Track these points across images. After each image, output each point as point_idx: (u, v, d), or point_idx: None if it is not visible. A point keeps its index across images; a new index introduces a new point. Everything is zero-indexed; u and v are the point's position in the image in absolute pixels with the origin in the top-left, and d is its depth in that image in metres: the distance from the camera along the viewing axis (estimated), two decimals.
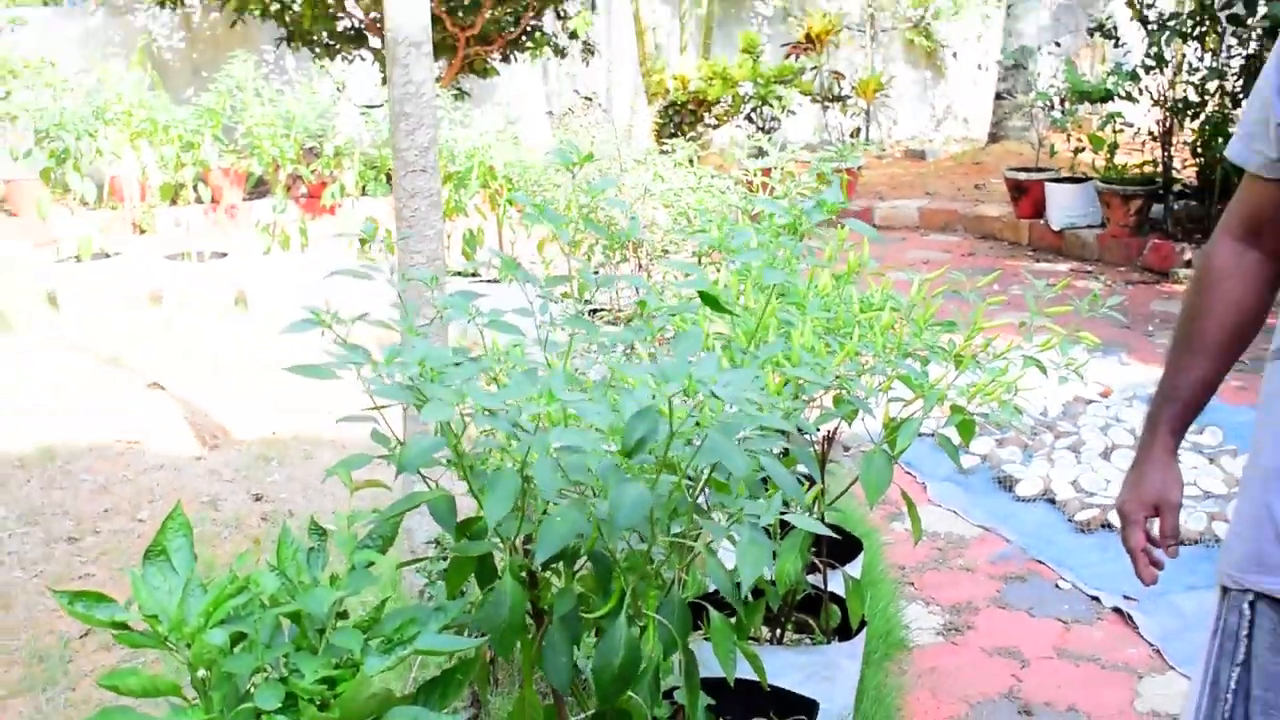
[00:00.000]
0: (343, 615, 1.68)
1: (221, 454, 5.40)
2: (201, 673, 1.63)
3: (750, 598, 2.82)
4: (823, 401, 2.73)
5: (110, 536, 4.52)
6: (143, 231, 9.99)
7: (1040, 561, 4.31)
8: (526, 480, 1.79)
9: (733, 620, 2.63)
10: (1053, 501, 4.76)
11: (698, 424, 1.73)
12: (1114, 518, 4.47)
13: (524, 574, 1.88)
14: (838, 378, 2.52)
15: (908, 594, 4.08)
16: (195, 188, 10.10)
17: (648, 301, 2.38)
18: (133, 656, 3.55)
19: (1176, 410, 2.01)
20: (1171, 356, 2.03)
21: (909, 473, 5.03)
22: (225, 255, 9.20)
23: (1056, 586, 4.13)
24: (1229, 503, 4.62)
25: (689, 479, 1.89)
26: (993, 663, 3.65)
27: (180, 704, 1.63)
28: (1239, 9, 8.23)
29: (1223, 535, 4.44)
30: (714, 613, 2.12)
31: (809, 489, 2.80)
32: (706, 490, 1.94)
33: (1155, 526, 2.03)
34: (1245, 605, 1.82)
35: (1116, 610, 3.94)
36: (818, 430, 2.80)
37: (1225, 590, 1.88)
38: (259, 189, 10.96)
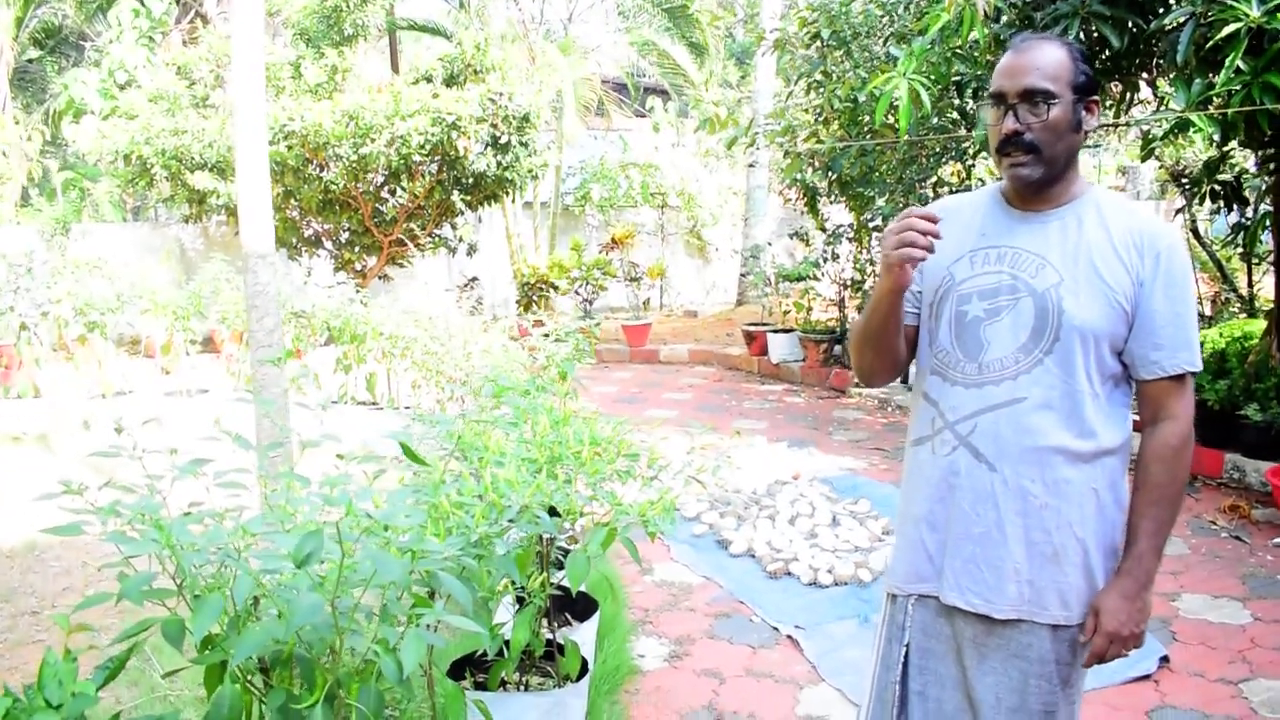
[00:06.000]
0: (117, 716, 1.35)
1: None
2: None
3: (505, 650, 2.52)
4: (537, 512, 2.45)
5: (64, 610, 3.96)
6: (167, 373, 9.30)
7: (741, 602, 4.05)
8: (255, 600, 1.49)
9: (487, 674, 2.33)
10: (754, 556, 4.53)
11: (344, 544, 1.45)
12: (794, 567, 4.29)
13: (249, 677, 1.56)
14: (545, 496, 2.24)
15: (646, 630, 3.79)
16: (199, 342, 9.43)
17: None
18: None
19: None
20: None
21: (660, 537, 4.75)
22: (207, 391, 8.56)
23: (750, 620, 3.88)
24: (870, 553, 4.45)
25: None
26: (700, 681, 3.37)
27: None
28: (879, 223, 8.37)
29: (866, 579, 4.25)
30: (445, 679, 1.82)
31: (539, 576, 2.51)
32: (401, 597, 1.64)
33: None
34: (909, 605, 1.89)
35: (789, 637, 3.71)
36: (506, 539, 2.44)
37: (893, 597, 1.94)
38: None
